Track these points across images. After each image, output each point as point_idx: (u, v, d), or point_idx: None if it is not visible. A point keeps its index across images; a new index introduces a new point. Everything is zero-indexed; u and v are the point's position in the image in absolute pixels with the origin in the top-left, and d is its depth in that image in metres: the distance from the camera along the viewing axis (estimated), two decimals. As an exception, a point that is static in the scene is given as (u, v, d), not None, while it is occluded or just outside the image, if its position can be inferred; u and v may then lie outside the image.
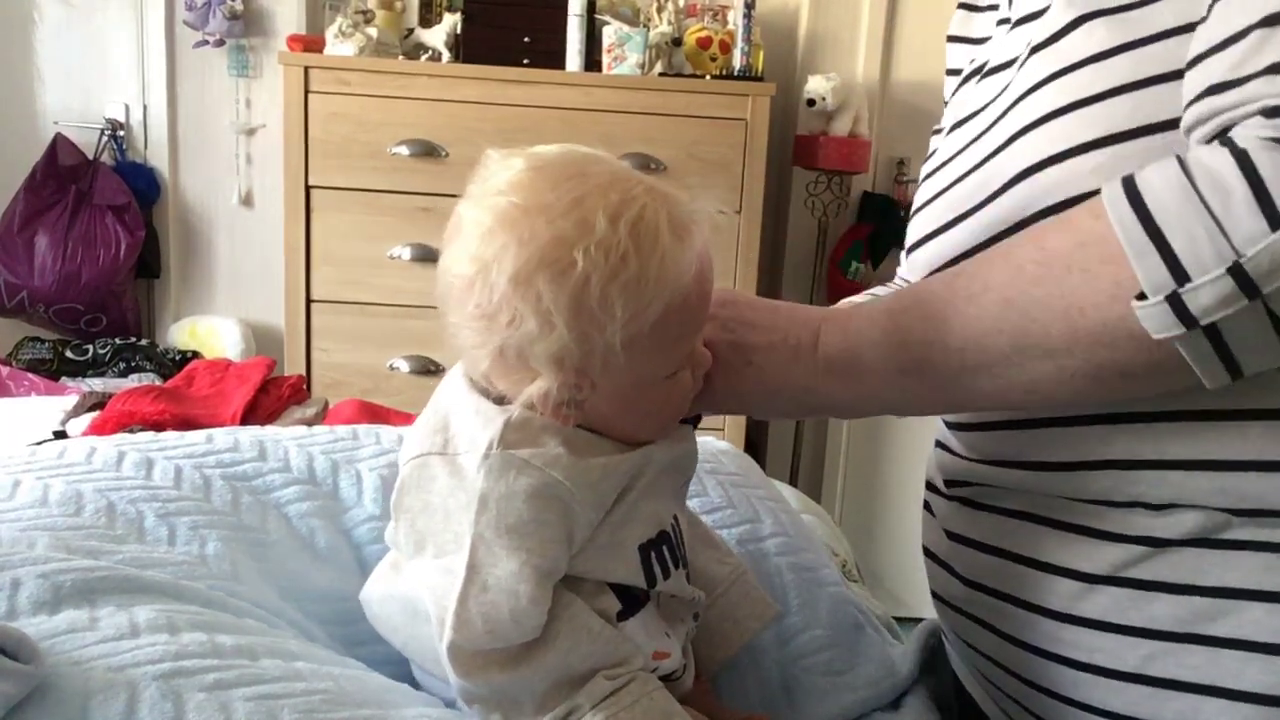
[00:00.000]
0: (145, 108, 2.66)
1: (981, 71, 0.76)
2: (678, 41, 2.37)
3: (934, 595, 0.79)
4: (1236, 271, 0.49)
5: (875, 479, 2.70)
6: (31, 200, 2.53)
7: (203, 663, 0.50)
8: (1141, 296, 0.52)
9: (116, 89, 2.65)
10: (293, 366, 2.25)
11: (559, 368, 0.57)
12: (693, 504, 0.86)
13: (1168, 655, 0.60)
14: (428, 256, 2.19)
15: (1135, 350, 0.54)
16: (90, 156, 2.60)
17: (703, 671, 0.72)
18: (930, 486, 0.80)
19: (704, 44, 2.35)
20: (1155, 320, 0.51)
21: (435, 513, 0.61)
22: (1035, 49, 0.65)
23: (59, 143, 2.59)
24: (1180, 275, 0.50)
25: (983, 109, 0.71)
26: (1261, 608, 0.58)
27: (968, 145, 0.71)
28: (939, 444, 0.79)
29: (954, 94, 0.82)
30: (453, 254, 0.58)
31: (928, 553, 0.80)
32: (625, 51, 2.25)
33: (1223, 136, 0.52)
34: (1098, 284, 0.54)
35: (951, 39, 0.87)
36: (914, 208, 0.79)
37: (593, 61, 2.27)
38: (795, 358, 0.67)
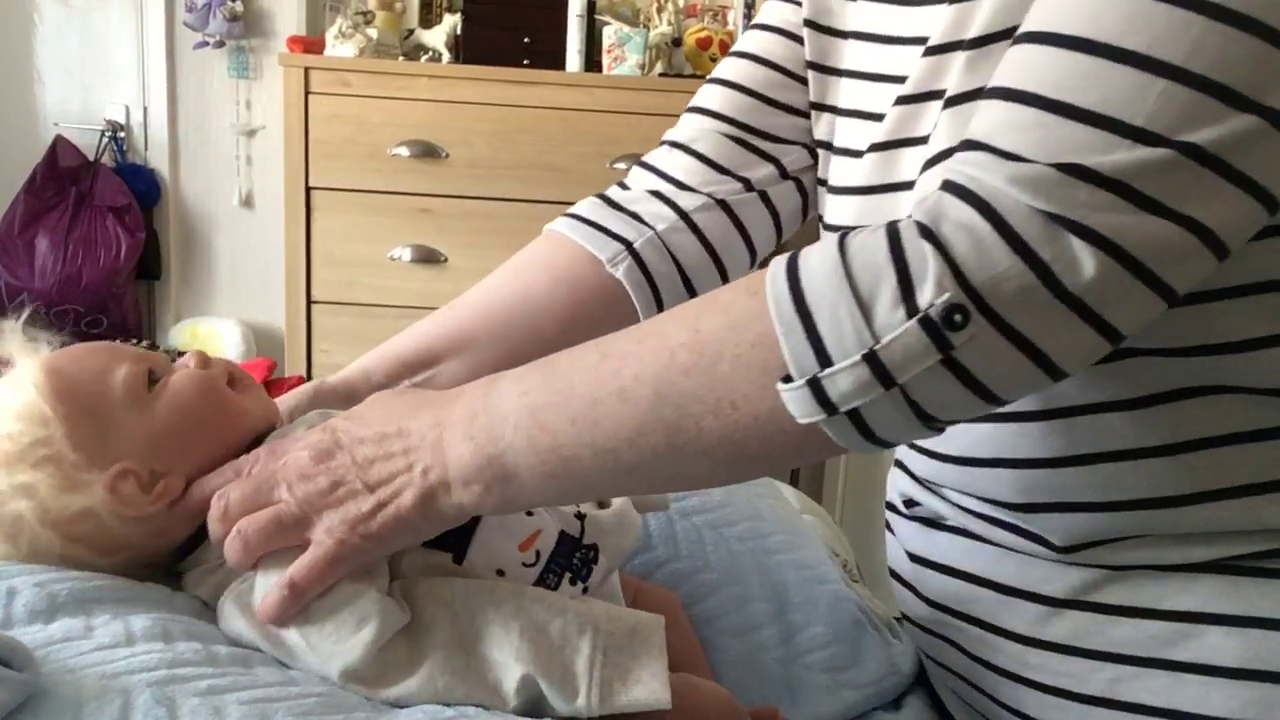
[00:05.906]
0: (145, 109, 2.66)
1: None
2: (678, 42, 2.37)
3: (903, 616, 0.79)
4: (871, 359, 0.46)
5: (875, 479, 2.70)
6: (32, 202, 2.53)
7: (197, 670, 0.50)
8: (788, 378, 0.48)
9: (117, 90, 2.65)
10: (293, 367, 2.25)
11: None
12: (693, 503, 0.85)
13: (1133, 679, 0.60)
14: (428, 258, 2.20)
15: (785, 441, 0.50)
16: (90, 158, 2.60)
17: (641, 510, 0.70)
18: (890, 506, 0.79)
19: (704, 44, 2.35)
20: (798, 404, 0.48)
21: None
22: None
23: (59, 144, 2.59)
24: (824, 358, 0.47)
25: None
26: (1219, 631, 0.58)
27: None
28: (898, 463, 0.77)
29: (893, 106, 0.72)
30: None
31: (893, 573, 0.79)
32: (625, 52, 2.24)
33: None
34: (749, 373, 0.50)
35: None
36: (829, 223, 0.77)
37: (593, 62, 2.27)
38: (424, 484, 0.55)
